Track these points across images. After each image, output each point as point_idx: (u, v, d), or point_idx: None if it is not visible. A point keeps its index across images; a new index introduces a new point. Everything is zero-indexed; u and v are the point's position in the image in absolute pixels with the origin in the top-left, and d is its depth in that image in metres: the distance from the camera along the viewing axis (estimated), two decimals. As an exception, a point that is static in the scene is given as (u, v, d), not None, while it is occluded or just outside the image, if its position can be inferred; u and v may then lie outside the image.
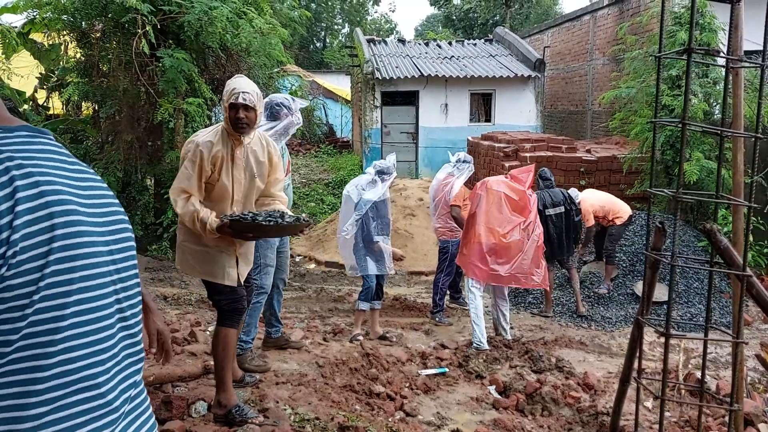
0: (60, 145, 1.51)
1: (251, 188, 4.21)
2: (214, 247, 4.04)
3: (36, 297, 1.28)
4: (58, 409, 1.31)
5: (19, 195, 1.29)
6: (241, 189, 4.15)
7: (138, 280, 1.58)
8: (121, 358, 1.46)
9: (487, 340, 6.86)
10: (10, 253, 1.25)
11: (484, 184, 7.07)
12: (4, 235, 1.25)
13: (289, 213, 4.14)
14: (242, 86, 4.04)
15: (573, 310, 8.91)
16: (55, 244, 1.31)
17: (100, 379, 1.38)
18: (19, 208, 1.28)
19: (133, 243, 1.58)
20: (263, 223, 3.74)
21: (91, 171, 1.55)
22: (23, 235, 1.27)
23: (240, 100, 3.97)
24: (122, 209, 1.58)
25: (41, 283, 1.28)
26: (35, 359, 1.29)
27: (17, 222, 1.27)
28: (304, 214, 4.04)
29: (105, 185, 1.56)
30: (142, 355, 1.57)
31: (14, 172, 1.30)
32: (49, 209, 1.32)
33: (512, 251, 6.84)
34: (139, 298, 1.58)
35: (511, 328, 8.11)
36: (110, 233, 1.48)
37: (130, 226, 1.60)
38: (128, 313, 1.51)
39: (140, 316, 1.57)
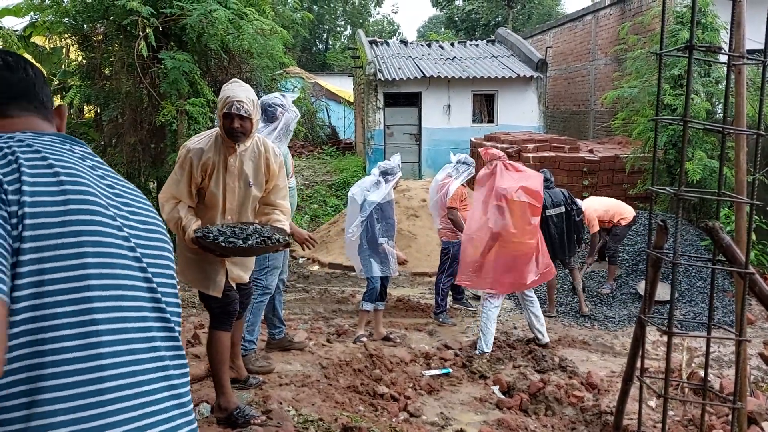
0: (94, 154, 1.55)
1: (246, 197, 4.10)
2: (199, 255, 3.93)
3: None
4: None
5: (25, 168, 1.32)
6: (234, 197, 4.06)
7: (176, 299, 1.55)
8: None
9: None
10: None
11: (502, 197, 6.72)
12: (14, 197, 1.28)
13: (272, 227, 3.98)
14: (237, 94, 3.92)
15: (576, 310, 8.91)
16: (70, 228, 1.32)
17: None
18: (25, 177, 1.30)
19: (167, 253, 1.57)
20: (222, 244, 3.60)
21: (127, 184, 1.58)
22: (33, 202, 1.29)
23: (234, 110, 3.86)
24: (160, 224, 1.58)
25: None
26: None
27: (25, 187, 1.29)
28: (280, 236, 3.87)
29: (142, 198, 1.57)
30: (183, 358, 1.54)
31: (22, 155, 1.34)
32: (65, 195, 1.33)
33: (535, 252, 6.82)
34: (177, 309, 1.55)
35: (514, 328, 8.12)
36: (135, 237, 1.47)
37: (168, 246, 1.59)
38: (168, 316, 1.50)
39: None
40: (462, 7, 42.94)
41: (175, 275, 1.57)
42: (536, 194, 6.76)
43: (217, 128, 4.08)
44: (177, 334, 1.51)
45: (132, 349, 1.37)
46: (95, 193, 1.40)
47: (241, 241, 3.62)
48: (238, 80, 4.21)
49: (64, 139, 1.51)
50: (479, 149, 7.77)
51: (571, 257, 8.71)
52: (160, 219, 1.60)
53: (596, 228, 9.16)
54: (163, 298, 1.48)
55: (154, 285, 1.46)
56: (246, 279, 4.31)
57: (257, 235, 3.72)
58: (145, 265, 1.45)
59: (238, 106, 3.87)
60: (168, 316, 1.48)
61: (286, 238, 3.91)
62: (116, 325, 1.35)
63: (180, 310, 1.55)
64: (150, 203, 1.60)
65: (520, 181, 6.77)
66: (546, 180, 8.56)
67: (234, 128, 3.90)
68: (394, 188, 7.18)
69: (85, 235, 1.33)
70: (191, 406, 1.51)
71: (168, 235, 1.62)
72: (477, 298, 9.40)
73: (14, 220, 1.26)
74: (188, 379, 1.52)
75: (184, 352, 1.53)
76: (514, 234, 6.68)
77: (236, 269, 4.17)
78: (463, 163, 8.26)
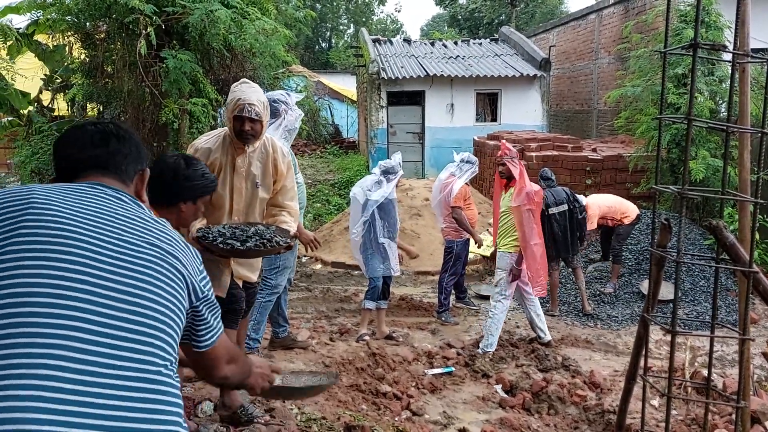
0: (129, 200, 1.76)
1: (254, 198, 4.08)
2: (204, 255, 3.91)
3: None
4: None
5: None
6: (241, 198, 4.04)
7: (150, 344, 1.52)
8: None
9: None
10: None
11: (531, 199, 6.72)
12: None
13: (277, 228, 3.93)
14: (248, 97, 3.88)
15: (579, 309, 8.89)
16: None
17: None
18: None
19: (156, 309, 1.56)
20: (219, 245, 3.59)
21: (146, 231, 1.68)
22: None
23: (245, 113, 3.84)
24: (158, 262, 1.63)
25: None
26: None
27: None
28: (282, 239, 3.81)
29: (155, 244, 1.66)
30: None
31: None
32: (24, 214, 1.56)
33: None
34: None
35: (517, 327, 8.11)
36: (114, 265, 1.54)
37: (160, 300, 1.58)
38: None
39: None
40: (465, 6, 42.92)
41: (159, 306, 1.56)
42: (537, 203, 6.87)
43: (226, 128, 4.06)
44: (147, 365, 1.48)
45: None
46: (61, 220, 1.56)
47: (239, 243, 3.59)
48: (248, 81, 4.15)
49: (99, 187, 1.73)
50: (501, 141, 7.75)
51: (574, 255, 8.69)
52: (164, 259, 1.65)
53: (594, 226, 9.12)
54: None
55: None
56: (253, 279, 4.27)
57: (257, 237, 3.69)
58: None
59: (249, 109, 3.84)
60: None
61: (288, 240, 3.84)
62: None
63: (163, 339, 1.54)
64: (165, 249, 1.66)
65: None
66: (547, 179, 8.54)
67: (245, 131, 3.87)
68: (397, 187, 7.18)
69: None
70: None
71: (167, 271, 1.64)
72: (480, 297, 9.41)
73: None
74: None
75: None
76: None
77: (242, 269, 4.13)
78: (467, 162, 8.25)
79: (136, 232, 1.63)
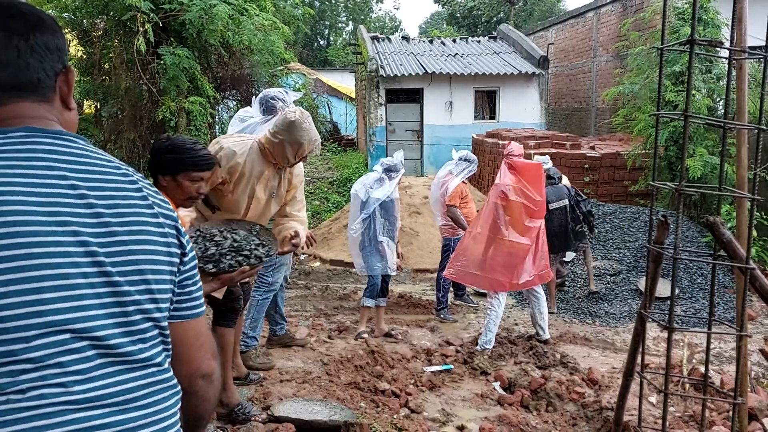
0: (71, 144, 1.39)
1: (267, 208, 4.17)
2: None
3: None
4: None
5: None
6: (258, 208, 4.12)
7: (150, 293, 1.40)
8: None
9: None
10: None
11: (501, 195, 6.73)
12: None
13: (266, 238, 3.66)
14: (316, 134, 4.07)
15: (577, 306, 8.92)
16: None
17: None
18: None
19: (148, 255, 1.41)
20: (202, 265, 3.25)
21: (117, 171, 1.43)
22: None
23: (314, 153, 4.11)
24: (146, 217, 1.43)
25: None
26: None
27: None
28: (265, 251, 3.47)
29: (120, 185, 1.41)
30: None
31: None
32: None
33: (532, 253, 6.78)
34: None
35: (515, 324, 8.12)
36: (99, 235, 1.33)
37: (150, 237, 1.43)
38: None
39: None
40: (464, 4, 42.86)
41: (156, 267, 1.42)
42: (535, 201, 6.73)
43: (255, 138, 4.15)
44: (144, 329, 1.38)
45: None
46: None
47: (211, 265, 3.27)
48: (305, 112, 4.17)
49: (33, 138, 1.35)
50: (504, 140, 7.77)
51: (578, 244, 8.72)
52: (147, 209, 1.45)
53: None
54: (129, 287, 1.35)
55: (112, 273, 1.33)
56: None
57: (234, 253, 3.35)
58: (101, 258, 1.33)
59: (318, 148, 4.11)
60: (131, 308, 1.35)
61: (269, 253, 3.52)
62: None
63: (165, 301, 1.43)
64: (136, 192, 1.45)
65: (520, 184, 6.75)
66: (550, 178, 8.54)
67: (300, 159, 4.13)
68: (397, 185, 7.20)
69: None
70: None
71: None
72: (479, 294, 9.41)
73: None
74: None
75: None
76: (508, 233, 6.68)
77: None
78: (465, 160, 8.25)
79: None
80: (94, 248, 1.32)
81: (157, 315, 1.41)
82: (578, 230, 8.62)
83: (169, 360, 1.45)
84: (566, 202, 8.41)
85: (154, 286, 1.40)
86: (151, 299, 1.39)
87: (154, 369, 1.39)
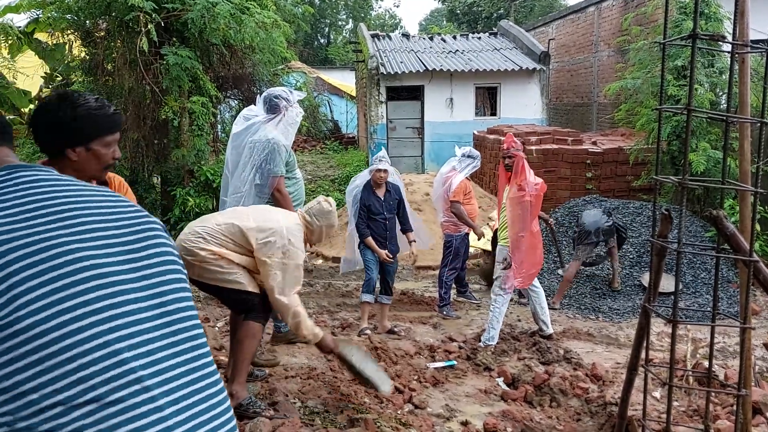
0: (40, 177, 1.41)
1: None
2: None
3: None
4: None
5: None
6: None
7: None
8: None
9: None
10: None
11: (534, 193, 6.80)
12: None
13: None
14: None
15: (580, 302, 8.96)
16: None
17: None
18: None
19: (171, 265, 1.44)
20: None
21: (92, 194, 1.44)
22: None
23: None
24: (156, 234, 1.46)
25: None
26: None
27: None
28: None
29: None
30: None
31: None
32: None
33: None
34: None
35: (518, 320, 8.12)
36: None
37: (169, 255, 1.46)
38: None
39: None
40: (464, 0, 42.84)
41: None
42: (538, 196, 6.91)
43: (303, 224, 4.62)
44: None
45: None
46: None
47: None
48: (329, 198, 4.89)
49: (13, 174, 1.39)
50: (506, 134, 7.83)
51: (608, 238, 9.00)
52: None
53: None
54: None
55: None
56: None
57: None
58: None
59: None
60: None
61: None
62: None
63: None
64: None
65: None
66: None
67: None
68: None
69: None
70: None
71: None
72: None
73: None
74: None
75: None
76: (534, 226, 6.86)
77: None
78: (468, 156, 8.27)
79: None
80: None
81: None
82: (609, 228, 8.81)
83: None
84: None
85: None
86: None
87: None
